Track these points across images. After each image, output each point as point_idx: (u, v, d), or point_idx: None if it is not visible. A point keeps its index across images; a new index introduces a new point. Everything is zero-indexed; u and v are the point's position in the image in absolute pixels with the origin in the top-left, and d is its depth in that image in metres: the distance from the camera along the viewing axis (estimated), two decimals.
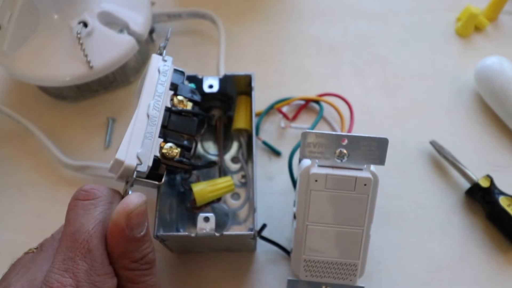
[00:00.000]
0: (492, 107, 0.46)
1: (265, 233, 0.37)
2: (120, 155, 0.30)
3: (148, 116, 0.32)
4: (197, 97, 0.36)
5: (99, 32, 0.42)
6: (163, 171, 0.33)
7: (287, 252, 0.38)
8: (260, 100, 0.45)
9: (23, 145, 0.45)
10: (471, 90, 0.48)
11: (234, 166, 0.42)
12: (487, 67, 0.46)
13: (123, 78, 0.48)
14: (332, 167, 0.31)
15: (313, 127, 0.44)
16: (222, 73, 0.44)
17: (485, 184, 0.40)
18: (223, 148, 0.42)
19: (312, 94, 0.46)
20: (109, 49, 0.42)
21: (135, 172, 0.30)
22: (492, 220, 0.40)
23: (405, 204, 0.42)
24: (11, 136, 0.46)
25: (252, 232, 0.32)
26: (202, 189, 0.35)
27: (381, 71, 0.50)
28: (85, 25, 0.42)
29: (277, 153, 0.44)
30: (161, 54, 0.35)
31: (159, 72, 0.34)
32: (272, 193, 0.42)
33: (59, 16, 0.42)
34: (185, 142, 0.34)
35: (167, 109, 0.34)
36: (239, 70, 0.42)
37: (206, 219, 0.33)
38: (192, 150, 0.35)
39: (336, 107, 0.45)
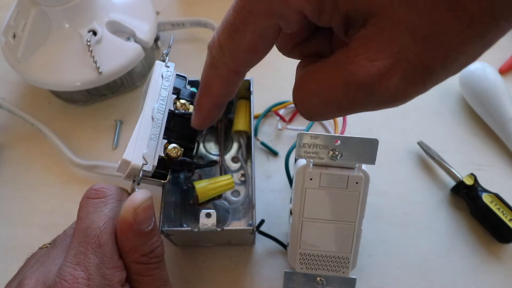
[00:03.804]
0: (475, 110, 0.46)
1: (263, 228, 0.38)
2: (127, 155, 0.30)
3: (152, 119, 0.32)
4: None
5: (107, 40, 0.43)
6: (168, 170, 0.33)
7: (284, 246, 0.38)
8: (259, 103, 0.45)
9: (36, 146, 0.45)
10: (456, 94, 0.48)
11: (234, 165, 0.42)
12: (471, 72, 0.46)
13: (130, 82, 0.48)
14: (326, 166, 0.31)
15: (308, 129, 0.45)
16: None
17: (469, 182, 0.40)
18: (223, 148, 0.42)
19: None
20: (117, 56, 0.43)
21: (141, 171, 0.30)
22: (476, 216, 0.40)
23: (394, 201, 0.42)
24: (25, 137, 0.46)
25: (251, 227, 0.33)
26: (204, 186, 0.35)
27: None
28: (94, 33, 0.42)
29: (274, 153, 0.44)
30: (164, 60, 0.35)
31: (162, 78, 0.34)
32: (270, 191, 0.42)
33: (70, 25, 0.42)
34: (188, 143, 0.34)
35: (171, 112, 0.34)
36: None
37: (208, 215, 0.33)
38: (195, 150, 0.35)
39: None
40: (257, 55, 0.24)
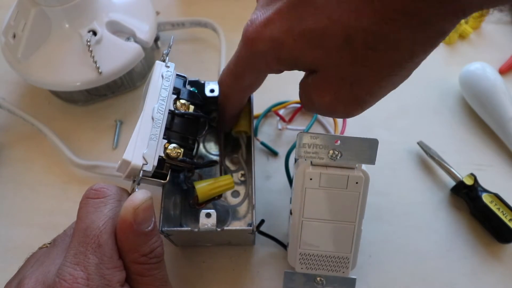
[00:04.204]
0: (475, 110, 0.46)
1: (263, 228, 0.37)
2: (127, 155, 0.30)
3: (152, 119, 0.32)
4: (198, 101, 0.37)
5: (107, 40, 0.43)
6: (167, 170, 0.33)
7: (284, 246, 0.38)
8: (259, 103, 0.45)
9: (36, 146, 0.45)
10: (456, 94, 0.48)
11: (234, 166, 0.42)
12: (471, 72, 0.46)
13: (130, 83, 0.48)
14: (326, 166, 0.31)
15: (308, 129, 0.45)
16: None
17: (469, 182, 0.40)
18: (223, 148, 0.42)
19: None
20: (117, 56, 0.42)
21: (141, 172, 0.30)
22: (476, 215, 0.40)
23: (394, 201, 0.42)
24: (24, 137, 0.46)
25: (251, 227, 0.33)
26: (204, 186, 0.35)
27: None
28: (94, 33, 0.42)
29: (274, 153, 0.44)
30: (164, 60, 0.35)
31: (162, 78, 0.34)
32: (270, 191, 0.42)
33: (70, 25, 0.42)
34: (188, 143, 0.34)
35: (171, 112, 0.34)
36: None
37: (208, 215, 0.33)
38: (194, 150, 0.35)
39: None
40: (255, 88, 0.35)
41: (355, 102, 0.27)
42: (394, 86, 0.27)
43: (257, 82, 0.34)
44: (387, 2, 0.22)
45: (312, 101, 0.29)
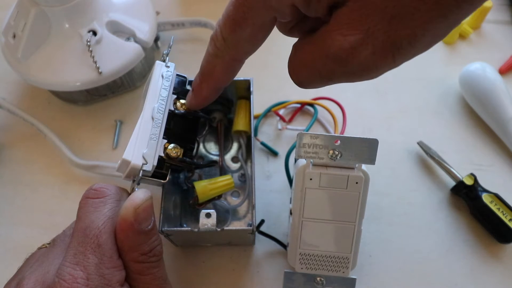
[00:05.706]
0: (475, 110, 0.46)
1: (263, 228, 0.37)
2: (127, 155, 0.30)
3: (152, 118, 0.32)
4: None
5: (107, 40, 0.42)
6: (167, 170, 0.33)
7: (284, 246, 0.38)
8: (259, 103, 0.45)
9: (36, 146, 0.45)
10: (456, 93, 0.48)
11: (234, 165, 0.42)
12: (470, 72, 0.46)
13: (130, 83, 0.48)
14: (326, 166, 0.31)
15: (308, 129, 0.45)
16: None
17: (469, 182, 0.40)
18: (223, 149, 0.42)
19: (307, 98, 0.47)
20: (117, 56, 0.42)
21: (141, 171, 0.30)
22: (476, 216, 0.40)
23: (394, 201, 0.42)
24: (25, 137, 0.46)
25: (251, 227, 0.33)
26: (204, 186, 0.35)
27: None
28: (94, 33, 0.42)
29: (274, 153, 0.44)
30: (164, 60, 0.35)
31: (162, 78, 0.34)
32: (270, 191, 0.42)
33: (70, 25, 0.42)
34: (188, 143, 0.34)
35: (171, 112, 0.34)
36: (238, 75, 0.42)
37: (208, 215, 0.33)
38: (194, 150, 0.35)
39: (329, 110, 0.45)
40: (256, 43, 0.28)
41: (388, 48, 0.21)
42: (432, 40, 0.22)
43: (259, 35, 0.27)
44: None
45: (325, 48, 0.22)
